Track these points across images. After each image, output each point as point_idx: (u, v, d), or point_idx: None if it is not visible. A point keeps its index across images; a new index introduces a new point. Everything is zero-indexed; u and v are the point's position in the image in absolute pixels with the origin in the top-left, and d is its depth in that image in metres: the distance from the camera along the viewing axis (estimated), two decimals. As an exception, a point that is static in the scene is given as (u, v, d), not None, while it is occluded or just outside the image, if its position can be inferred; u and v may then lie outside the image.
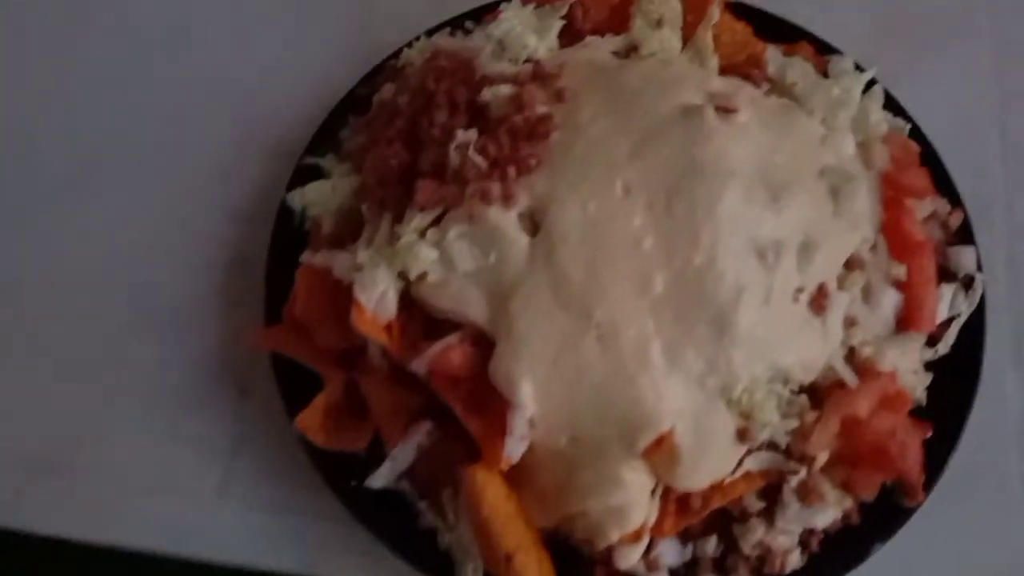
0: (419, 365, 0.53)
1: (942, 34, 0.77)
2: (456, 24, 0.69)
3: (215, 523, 0.61)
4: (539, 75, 0.60)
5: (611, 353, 0.51)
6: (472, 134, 0.57)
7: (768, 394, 0.53)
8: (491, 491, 0.52)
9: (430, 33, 0.69)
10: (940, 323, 0.60)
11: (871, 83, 0.66)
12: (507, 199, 0.54)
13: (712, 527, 0.55)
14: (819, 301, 0.55)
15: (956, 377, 0.59)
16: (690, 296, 0.52)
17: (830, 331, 0.55)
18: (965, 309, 0.60)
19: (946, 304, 0.60)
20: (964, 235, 0.63)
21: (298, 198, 0.62)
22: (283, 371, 0.60)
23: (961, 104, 0.75)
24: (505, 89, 0.59)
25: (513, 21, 0.62)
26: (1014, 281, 0.68)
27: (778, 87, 0.64)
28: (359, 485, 0.56)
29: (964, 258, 0.62)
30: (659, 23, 0.63)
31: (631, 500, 0.52)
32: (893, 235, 0.59)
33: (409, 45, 0.68)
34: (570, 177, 0.54)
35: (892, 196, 0.61)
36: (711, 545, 0.55)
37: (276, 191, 0.69)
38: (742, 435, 0.53)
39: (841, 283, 0.57)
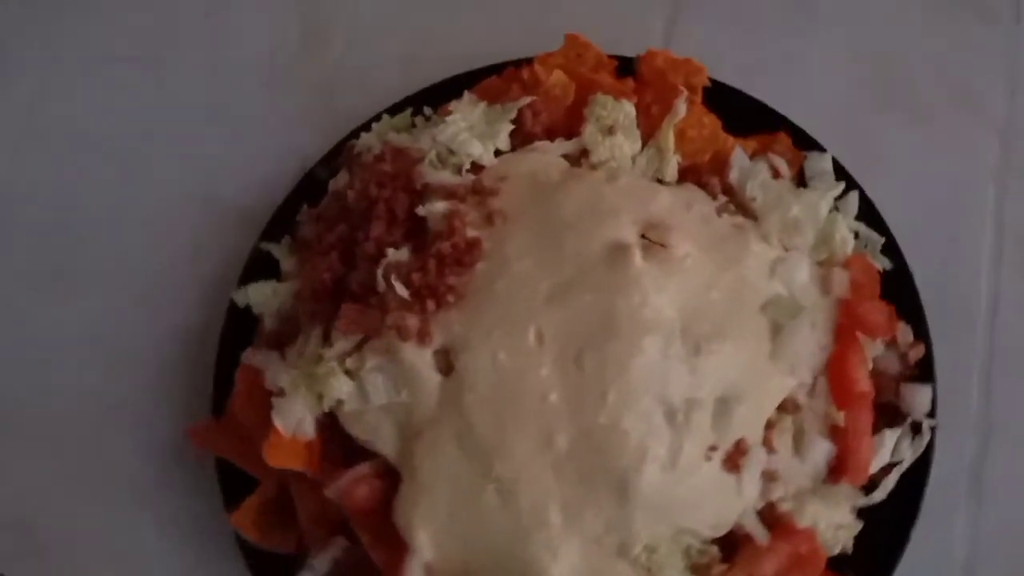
0: (331, 492, 0.55)
1: (942, 105, 0.71)
2: (417, 107, 0.67)
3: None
4: (477, 190, 0.58)
5: (509, 509, 0.51)
6: (403, 254, 0.57)
7: (672, 549, 0.53)
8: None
9: (392, 112, 0.68)
10: (882, 467, 0.58)
11: (849, 187, 0.63)
12: (423, 336, 0.54)
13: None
14: (734, 459, 0.53)
15: (888, 528, 0.57)
16: (592, 456, 0.51)
17: (744, 489, 0.53)
18: (909, 456, 0.58)
19: (888, 450, 0.57)
20: (923, 371, 0.59)
21: (242, 296, 0.63)
22: (224, 461, 0.63)
23: (954, 186, 0.69)
24: (441, 206, 0.58)
25: (460, 124, 0.60)
26: (984, 398, 0.64)
27: (736, 199, 0.61)
28: (283, 585, 0.59)
29: (918, 399, 0.58)
30: (611, 130, 0.60)
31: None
32: (836, 376, 0.56)
33: (368, 127, 0.67)
34: (486, 320, 0.53)
35: (846, 326, 0.58)
36: None
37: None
38: (641, 590, 0.53)
39: (772, 426, 0.56)
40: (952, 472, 0.62)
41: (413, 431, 0.54)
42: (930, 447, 0.58)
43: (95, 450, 0.69)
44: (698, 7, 0.76)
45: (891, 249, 0.62)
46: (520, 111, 0.61)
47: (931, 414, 0.58)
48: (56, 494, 0.69)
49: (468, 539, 0.52)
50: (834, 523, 0.55)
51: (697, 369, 0.53)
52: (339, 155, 0.68)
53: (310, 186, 0.68)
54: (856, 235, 0.62)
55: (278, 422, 0.55)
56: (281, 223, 0.68)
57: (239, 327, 0.65)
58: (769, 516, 0.55)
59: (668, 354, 0.52)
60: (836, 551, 0.56)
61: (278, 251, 0.66)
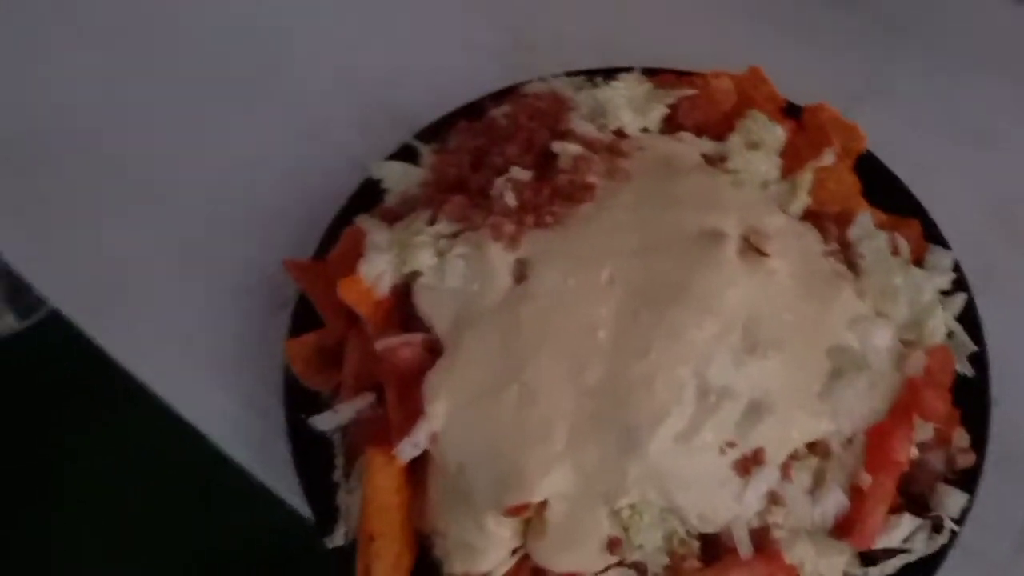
0: (380, 345, 0.59)
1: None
2: (591, 76, 0.73)
3: (210, 396, 0.72)
4: (612, 149, 0.63)
5: (522, 414, 0.54)
6: (525, 174, 0.62)
7: (656, 522, 0.54)
8: (382, 477, 0.57)
9: (569, 75, 0.74)
10: (889, 549, 0.56)
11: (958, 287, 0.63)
12: (512, 242, 0.58)
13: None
14: (746, 464, 0.54)
15: (872, 610, 0.55)
16: (615, 399, 0.53)
17: (746, 496, 0.54)
18: (920, 550, 0.56)
19: (901, 534, 0.56)
20: (966, 481, 0.58)
21: (378, 169, 0.69)
22: (303, 305, 0.69)
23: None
24: (574, 149, 0.62)
25: (620, 91, 0.65)
26: (1017, 550, 0.62)
27: (847, 253, 0.62)
28: (305, 419, 0.64)
29: (950, 501, 0.57)
30: (755, 146, 0.64)
31: (485, 546, 0.55)
32: (876, 440, 0.56)
33: (543, 79, 0.73)
34: (571, 247, 0.57)
35: (905, 403, 0.57)
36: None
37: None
38: (611, 545, 0.54)
39: (796, 458, 0.56)
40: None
41: (469, 319, 0.58)
42: (944, 551, 0.56)
43: (201, 242, 0.78)
44: (890, 96, 0.79)
45: (979, 361, 0.62)
46: (678, 100, 0.65)
47: (958, 522, 0.57)
48: (155, 264, 0.78)
49: (476, 425, 0.55)
50: (820, 573, 0.55)
51: (744, 365, 0.54)
52: (509, 94, 0.75)
53: (475, 112, 0.74)
54: (950, 335, 0.62)
55: (363, 269, 0.61)
56: (437, 132, 0.75)
57: (365, 198, 0.71)
58: (760, 537, 0.54)
59: (722, 340, 0.54)
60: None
61: (423, 148, 0.72)
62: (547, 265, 0.57)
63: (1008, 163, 0.75)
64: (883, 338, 0.58)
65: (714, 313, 0.55)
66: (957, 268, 0.64)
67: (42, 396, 1.61)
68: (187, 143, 0.83)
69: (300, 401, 0.66)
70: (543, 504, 0.54)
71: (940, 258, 0.64)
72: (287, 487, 0.66)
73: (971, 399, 0.60)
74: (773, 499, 0.54)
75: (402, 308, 0.61)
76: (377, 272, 0.61)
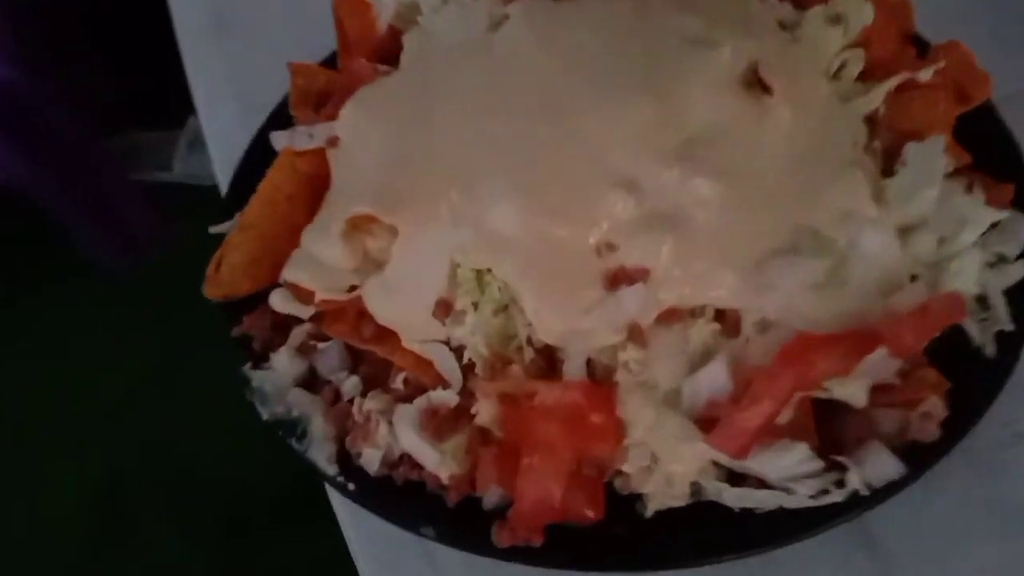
0: (354, 65, 0.57)
1: None
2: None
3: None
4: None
5: (424, 144, 0.49)
6: None
7: (497, 307, 0.45)
8: (281, 173, 0.53)
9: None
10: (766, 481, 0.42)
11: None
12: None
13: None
14: (618, 277, 0.43)
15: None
16: (517, 155, 0.46)
17: (596, 313, 0.43)
18: (801, 497, 0.41)
19: (784, 464, 0.41)
20: (913, 456, 0.42)
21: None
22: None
23: None
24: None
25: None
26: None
27: (887, 160, 0.49)
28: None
29: (877, 465, 0.41)
30: (836, 20, 0.53)
31: (326, 262, 0.49)
32: (800, 343, 0.42)
33: None
34: (555, 13, 0.52)
35: (867, 330, 0.43)
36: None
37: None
38: (440, 308, 0.46)
39: (693, 315, 0.44)
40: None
41: (427, 52, 0.54)
42: (835, 512, 0.41)
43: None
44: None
45: (1009, 344, 0.45)
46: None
47: (875, 492, 0.41)
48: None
49: (379, 142, 0.51)
50: (652, 449, 0.42)
51: (668, 170, 0.44)
52: None
53: None
54: (981, 299, 0.46)
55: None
56: None
57: None
58: (601, 373, 0.43)
59: (654, 133, 0.45)
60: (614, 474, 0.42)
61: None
62: (523, 20, 0.51)
63: None
64: (876, 244, 0.45)
65: (663, 104, 0.45)
66: (1038, 247, 0.48)
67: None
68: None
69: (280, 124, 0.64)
70: (394, 234, 0.47)
71: (1018, 224, 0.49)
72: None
73: (979, 381, 0.44)
74: (634, 336, 0.43)
75: (391, 48, 0.58)
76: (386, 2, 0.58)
